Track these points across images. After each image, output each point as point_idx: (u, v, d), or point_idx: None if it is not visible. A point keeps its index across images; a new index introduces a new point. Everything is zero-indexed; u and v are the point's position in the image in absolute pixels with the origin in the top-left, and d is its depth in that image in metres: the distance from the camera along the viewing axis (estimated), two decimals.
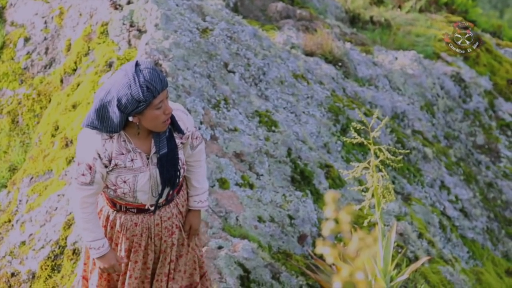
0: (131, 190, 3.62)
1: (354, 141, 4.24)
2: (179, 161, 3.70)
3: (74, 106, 6.08)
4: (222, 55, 6.42)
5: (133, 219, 3.78)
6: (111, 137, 3.54)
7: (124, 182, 3.60)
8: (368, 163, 4.19)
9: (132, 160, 3.58)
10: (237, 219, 5.27)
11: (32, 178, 5.84)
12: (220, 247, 4.96)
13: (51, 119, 6.21)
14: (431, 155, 7.34)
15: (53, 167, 5.75)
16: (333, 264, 5.00)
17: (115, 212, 3.78)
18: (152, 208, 3.75)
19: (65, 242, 5.05)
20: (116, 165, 3.56)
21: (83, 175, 3.55)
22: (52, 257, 5.04)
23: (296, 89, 6.80)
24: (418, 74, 8.24)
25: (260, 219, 5.35)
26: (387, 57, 8.42)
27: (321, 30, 8.08)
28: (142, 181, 3.62)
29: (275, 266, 5.05)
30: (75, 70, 6.50)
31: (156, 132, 3.56)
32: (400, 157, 4.34)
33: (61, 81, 6.56)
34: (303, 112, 6.63)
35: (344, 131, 6.78)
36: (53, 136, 6.04)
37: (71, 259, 4.95)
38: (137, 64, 3.43)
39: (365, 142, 4.16)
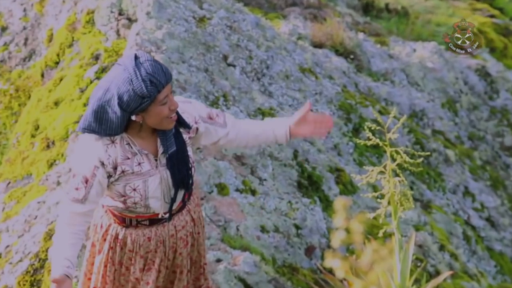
0: (143, 198, 3.61)
1: (369, 143, 4.22)
2: (189, 158, 3.69)
3: (56, 103, 6.07)
4: (221, 47, 6.41)
5: (145, 233, 3.77)
6: (113, 142, 3.53)
7: (134, 190, 3.59)
8: (384, 166, 4.17)
9: (139, 163, 3.57)
10: (237, 229, 5.26)
11: (9, 183, 5.83)
12: (218, 260, 4.95)
13: (30, 117, 6.20)
14: (454, 158, 7.32)
15: (33, 171, 5.74)
16: (344, 279, 4.98)
17: (124, 228, 3.77)
18: (167, 216, 3.74)
19: (46, 255, 5.04)
20: (123, 171, 3.54)
21: (76, 189, 3.50)
22: (31, 271, 5.02)
23: (303, 85, 6.79)
24: (439, 68, 8.22)
25: (263, 229, 5.34)
26: (404, 49, 8.41)
27: (331, 19, 8.06)
28: (153, 185, 3.61)
29: (280, 281, 5.04)
30: (57, 63, 6.49)
31: (161, 130, 3.56)
32: (419, 160, 4.32)
33: (42, 75, 6.55)
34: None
35: (356, 131, 6.77)
36: (33, 136, 6.03)
37: None
38: (136, 57, 3.43)
39: (381, 144, 4.14)
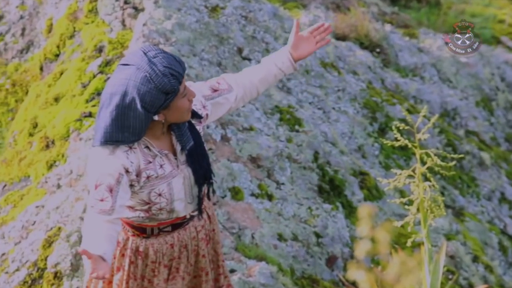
0: (169, 202, 3.69)
1: (396, 144, 4.23)
2: (206, 151, 3.77)
3: (56, 99, 6.10)
4: (236, 39, 6.43)
5: (167, 240, 3.84)
6: (130, 148, 3.57)
7: (159, 195, 3.65)
8: (413, 170, 4.18)
9: (161, 166, 3.64)
10: (252, 237, 5.27)
11: (5, 186, 5.85)
12: (232, 271, 4.97)
13: (28, 114, 6.22)
14: (489, 161, 7.31)
15: (31, 172, 5.76)
16: None
17: (144, 240, 3.82)
18: (196, 214, 3.83)
19: (45, 264, 5.06)
20: (148, 177, 3.60)
21: (101, 200, 3.50)
22: (29, 281, 5.05)
23: (325, 80, 6.79)
24: (473, 63, 8.21)
25: (280, 237, 5.35)
26: (435, 42, 8.39)
27: (355, 9, 8.07)
28: (178, 187, 3.68)
29: None
30: (57, 55, 6.52)
31: (177, 125, 3.63)
32: (451, 164, 4.33)
33: (41, 68, 6.58)
34: (333, 108, 6.63)
35: (382, 131, 6.77)
36: (31, 135, 6.06)
37: (52, 284, 4.96)
38: (145, 53, 3.47)
39: (410, 145, 4.15)
